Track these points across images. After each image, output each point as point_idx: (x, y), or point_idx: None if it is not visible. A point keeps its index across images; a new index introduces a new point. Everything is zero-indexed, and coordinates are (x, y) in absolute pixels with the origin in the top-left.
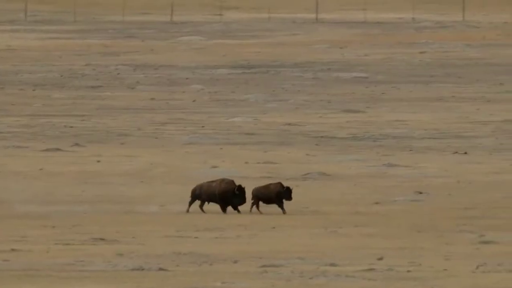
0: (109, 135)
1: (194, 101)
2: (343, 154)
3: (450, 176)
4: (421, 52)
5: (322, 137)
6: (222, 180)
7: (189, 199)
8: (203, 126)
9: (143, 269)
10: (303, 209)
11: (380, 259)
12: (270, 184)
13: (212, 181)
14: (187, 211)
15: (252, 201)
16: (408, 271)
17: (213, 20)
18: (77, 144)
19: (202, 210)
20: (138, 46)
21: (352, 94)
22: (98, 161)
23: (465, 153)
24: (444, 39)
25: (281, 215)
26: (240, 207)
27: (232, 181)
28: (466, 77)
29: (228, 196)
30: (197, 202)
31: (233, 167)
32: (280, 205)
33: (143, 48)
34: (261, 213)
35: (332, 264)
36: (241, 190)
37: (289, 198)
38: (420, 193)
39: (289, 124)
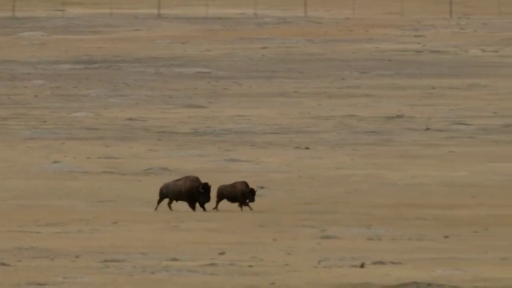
0: None
1: (36, 96)
2: (185, 149)
3: (291, 171)
4: (263, 48)
5: (164, 132)
6: (187, 178)
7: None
8: (45, 121)
9: None
10: (145, 204)
11: (222, 253)
12: (236, 182)
13: (178, 180)
14: (156, 209)
15: (217, 199)
16: (250, 266)
17: (55, 15)
18: None
19: (170, 208)
20: None
21: (194, 89)
22: None
23: (307, 148)
24: (286, 34)
25: (122, 211)
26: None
27: (197, 179)
28: (307, 72)
29: (194, 193)
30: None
31: (75, 162)
32: (245, 204)
33: None
34: (217, 210)
35: (174, 259)
36: (206, 188)
37: (251, 199)
38: (262, 188)
39: (131, 119)
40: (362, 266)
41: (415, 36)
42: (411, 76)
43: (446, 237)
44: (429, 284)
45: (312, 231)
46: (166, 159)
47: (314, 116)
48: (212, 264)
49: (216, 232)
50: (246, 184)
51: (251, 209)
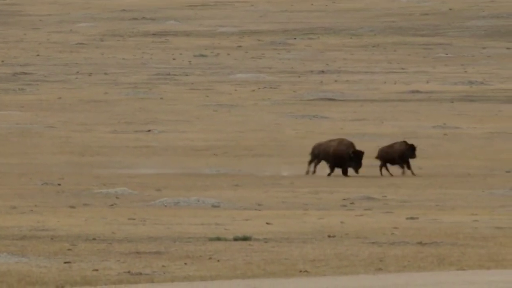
0: None
1: None
2: None
3: None
4: None
5: None
6: (341, 141)
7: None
8: None
9: None
10: None
11: None
12: (395, 143)
13: (331, 140)
14: (307, 172)
15: (380, 163)
16: None
17: None
18: None
19: (314, 170)
20: None
21: None
22: None
23: None
24: None
25: None
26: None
27: (351, 144)
28: None
29: (343, 158)
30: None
31: None
32: (406, 165)
33: None
34: (391, 175)
35: None
36: (357, 154)
37: (413, 155)
38: None
39: None
40: None
41: None
42: None
43: None
44: None
45: None
46: None
47: None
48: None
49: None
50: (405, 143)
51: (413, 174)
